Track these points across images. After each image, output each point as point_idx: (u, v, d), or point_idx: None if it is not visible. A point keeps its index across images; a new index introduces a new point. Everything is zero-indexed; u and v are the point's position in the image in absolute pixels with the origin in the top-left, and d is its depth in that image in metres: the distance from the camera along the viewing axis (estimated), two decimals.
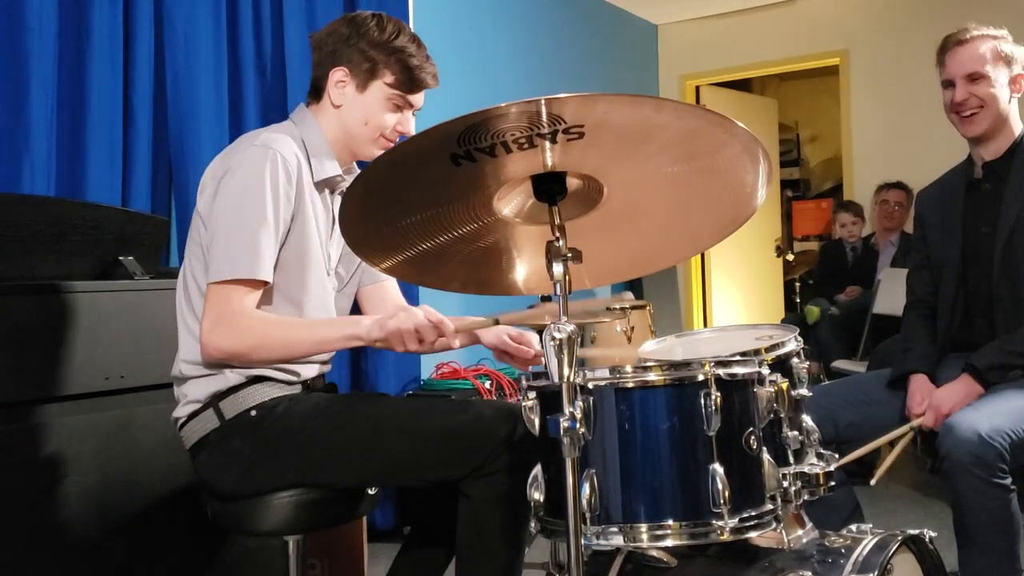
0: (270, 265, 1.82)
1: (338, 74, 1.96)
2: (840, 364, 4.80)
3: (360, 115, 1.97)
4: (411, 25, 3.84)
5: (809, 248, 7.52)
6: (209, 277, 1.80)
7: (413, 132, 2.00)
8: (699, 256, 6.84)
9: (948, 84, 2.40)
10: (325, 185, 1.98)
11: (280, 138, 1.88)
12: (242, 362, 1.83)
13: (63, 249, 2.14)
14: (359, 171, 2.07)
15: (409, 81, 1.96)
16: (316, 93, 2.01)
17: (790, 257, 6.98)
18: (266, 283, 1.82)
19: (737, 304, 7.03)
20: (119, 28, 2.81)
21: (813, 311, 5.29)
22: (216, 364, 1.84)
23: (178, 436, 1.92)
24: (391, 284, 2.21)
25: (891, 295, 4.59)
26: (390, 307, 2.18)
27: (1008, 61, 2.35)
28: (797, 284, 6.59)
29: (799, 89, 8.74)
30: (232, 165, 1.84)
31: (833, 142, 7.89)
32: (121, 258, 2.26)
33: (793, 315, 5.94)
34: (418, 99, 2.01)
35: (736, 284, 7.04)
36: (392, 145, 2.00)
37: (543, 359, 2.01)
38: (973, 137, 2.40)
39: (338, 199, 2.01)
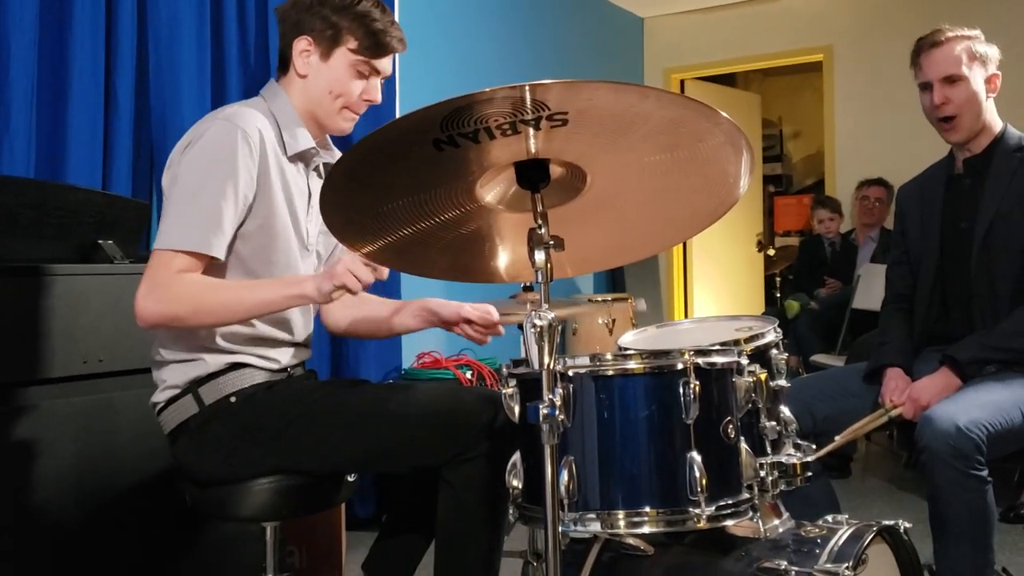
0: (224, 242, 1.78)
1: (302, 43, 1.92)
2: (819, 358, 4.82)
3: (325, 84, 1.92)
4: (396, 14, 3.83)
5: (790, 243, 7.56)
6: (156, 243, 1.75)
7: (379, 100, 1.96)
8: (681, 250, 6.86)
9: (925, 87, 2.40)
10: (299, 158, 1.95)
11: (246, 112, 1.85)
12: (178, 326, 1.78)
13: (43, 232, 2.12)
14: (335, 150, 2.06)
15: (374, 46, 1.91)
16: (283, 65, 1.97)
17: (771, 252, 7.01)
18: (213, 259, 1.78)
19: (718, 298, 7.06)
20: (101, 11, 2.78)
21: (793, 305, 5.33)
22: (153, 328, 1.78)
23: (156, 421, 1.91)
24: None
25: (870, 290, 4.62)
26: None
27: (983, 61, 2.36)
28: (777, 279, 6.63)
29: (783, 85, 8.78)
30: (194, 137, 1.82)
31: (816, 138, 7.93)
32: (101, 242, 2.24)
33: (773, 309, 5.97)
34: (385, 65, 1.96)
35: (717, 278, 7.07)
36: (358, 116, 1.97)
37: (501, 328, 2.00)
38: (956, 143, 2.42)
39: (314, 174, 2.00)
